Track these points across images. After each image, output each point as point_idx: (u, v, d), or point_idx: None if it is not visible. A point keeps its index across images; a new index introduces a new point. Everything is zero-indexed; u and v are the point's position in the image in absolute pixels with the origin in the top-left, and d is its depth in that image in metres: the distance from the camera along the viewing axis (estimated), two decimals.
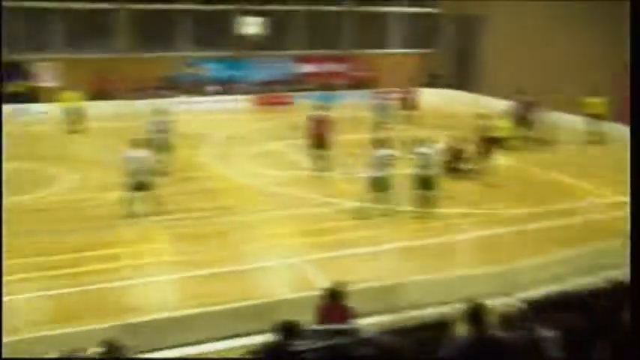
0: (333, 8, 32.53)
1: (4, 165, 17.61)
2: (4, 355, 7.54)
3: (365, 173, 14.66)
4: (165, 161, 17.27)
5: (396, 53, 33.79)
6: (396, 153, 14.84)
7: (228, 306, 9.74)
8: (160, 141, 17.10)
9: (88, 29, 29.56)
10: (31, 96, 27.71)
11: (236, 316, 9.27)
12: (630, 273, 6.18)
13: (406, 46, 34.33)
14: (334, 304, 8.07)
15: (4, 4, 26.12)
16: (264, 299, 9.67)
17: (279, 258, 12.19)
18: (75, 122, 23.92)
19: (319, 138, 18.00)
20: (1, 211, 12.79)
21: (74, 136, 23.04)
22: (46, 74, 28.29)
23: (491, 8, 29.55)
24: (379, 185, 14.29)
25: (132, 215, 14.08)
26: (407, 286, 10.23)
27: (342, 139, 19.64)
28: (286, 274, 11.71)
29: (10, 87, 27.48)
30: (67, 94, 24.44)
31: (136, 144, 14.50)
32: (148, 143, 15.22)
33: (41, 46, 28.83)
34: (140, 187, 14.23)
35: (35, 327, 9.47)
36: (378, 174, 14.27)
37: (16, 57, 27.77)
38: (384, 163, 14.32)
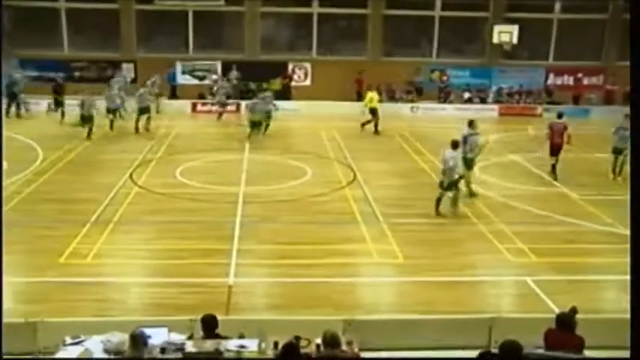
0: (593, 16, 30.53)
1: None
2: None
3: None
4: (467, 178, 16.17)
5: None
6: None
7: (449, 316, 9.60)
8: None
9: (340, 33, 31.04)
10: (286, 93, 29.62)
11: (456, 327, 9.06)
12: (630, 272, 5.77)
13: None
14: (563, 331, 7.55)
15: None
16: (489, 314, 9.34)
17: (508, 274, 11.77)
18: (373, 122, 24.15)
19: (555, 147, 18.04)
20: (1, 210, 12.92)
21: (322, 133, 24.10)
22: (299, 74, 30.08)
23: None
24: None
25: (438, 213, 14.62)
26: None
27: (587, 157, 18.48)
28: (513, 291, 11.26)
29: (270, 84, 29.65)
30: (371, 95, 24.45)
31: (454, 145, 14.79)
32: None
33: (298, 48, 30.82)
34: (447, 186, 14.61)
35: (268, 310, 10.12)
36: None
37: (277, 57, 29.99)
38: None
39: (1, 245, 10.73)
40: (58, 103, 25.63)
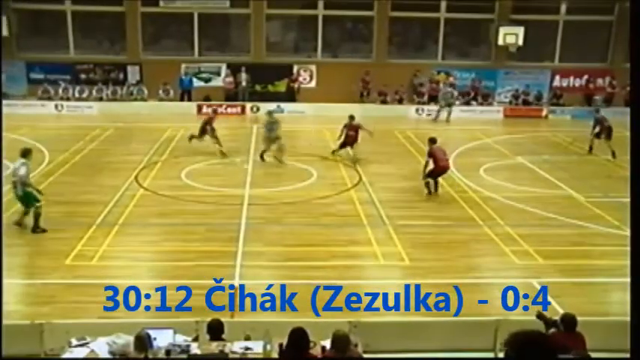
0: (599, 18, 30.47)
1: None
2: None
3: None
4: None
5: None
6: None
7: (455, 318, 9.60)
8: None
9: (346, 35, 31.14)
10: (292, 95, 29.62)
11: (462, 329, 9.05)
12: (630, 272, 5.82)
13: None
14: (569, 332, 7.54)
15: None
16: (495, 317, 9.31)
17: (514, 276, 11.74)
18: None
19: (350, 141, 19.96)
20: (1, 209, 12.85)
21: (327, 135, 24.06)
22: (305, 76, 30.07)
23: None
24: None
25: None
26: None
27: (592, 159, 18.39)
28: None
29: (276, 86, 29.70)
30: None
31: None
32: None
33: (303, 50, 30.87)
34: None
35: (273, 312, 10.11)
36: None
37: (282, 59, 30.06)
38: None
39: (1, 247, 10.77)
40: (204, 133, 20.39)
